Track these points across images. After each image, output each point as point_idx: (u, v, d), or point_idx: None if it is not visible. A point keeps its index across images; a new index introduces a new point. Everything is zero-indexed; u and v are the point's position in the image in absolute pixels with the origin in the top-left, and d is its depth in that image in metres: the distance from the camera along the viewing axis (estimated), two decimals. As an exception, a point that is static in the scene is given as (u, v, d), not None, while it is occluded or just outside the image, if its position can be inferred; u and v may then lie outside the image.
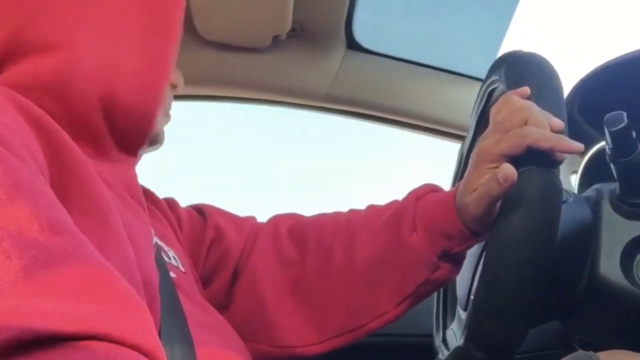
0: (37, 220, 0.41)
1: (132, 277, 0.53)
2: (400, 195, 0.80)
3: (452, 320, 0.89)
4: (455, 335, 0.84)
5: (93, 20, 0.63)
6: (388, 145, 1.88)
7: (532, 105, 0.67)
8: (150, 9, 0.66)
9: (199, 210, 0.85)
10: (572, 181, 0.97)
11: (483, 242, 0.77)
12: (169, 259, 0.71)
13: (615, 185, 0.75)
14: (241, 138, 2.12)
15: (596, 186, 0.79)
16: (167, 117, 0.74)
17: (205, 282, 0.82)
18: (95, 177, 0.55)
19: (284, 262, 0.81)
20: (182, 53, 0.71)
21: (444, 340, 0.88)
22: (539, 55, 0.73)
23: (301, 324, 0.78)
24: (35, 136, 0.52)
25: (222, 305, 0.79)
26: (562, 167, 0.67)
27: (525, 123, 0.65)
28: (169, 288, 0.64)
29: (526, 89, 0.69)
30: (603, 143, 0.78)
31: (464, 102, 1.28)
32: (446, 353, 0.82)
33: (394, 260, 0.76)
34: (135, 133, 0.67)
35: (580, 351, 0.62)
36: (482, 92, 0.83)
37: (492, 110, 0.71)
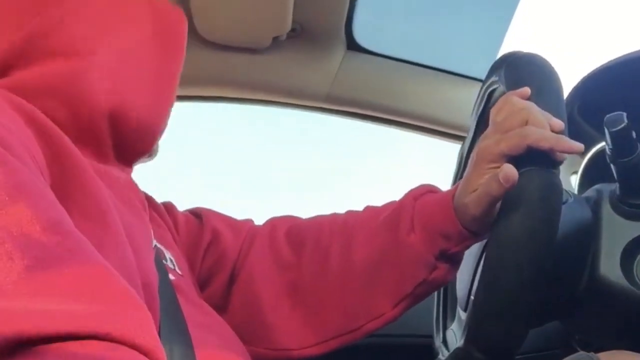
0: (39, 221, 0.42)
1: (131, 278, 0.53)
2: (399, 196, 0.80)
3: (452, 321, 0.89)
4: (455, 336, 0.84)
5: (109, 33, 0.64)
6: (387, 145, 1.88)
7: (532, 105, 0.67)
8: (160, 27, 0.68)
9: (196, 214, 0.85)
10: (572, 182, 0.97)
11: (483, 243, 0.77)
12: (166, 261, 0.71)
13: (615, 186, 0.75)
14: (239, 138, 2.12)
15: (596, 187, 0.79)
16: None
17: (202, 285, 0.82)
18: (95, 178, 0.55)
19: (281, 264, 0.81)
20: (182, 53, 0.71)
21: (444, 341, 0.88)
22: (538, 56, 0.73)
23: (298, 326, 0.78)
24: (34, 137, 0.52)
25: (220, 308, 0.79)
26: (562, 168, 0.67)
27: (526, 123, 0.65)
28: (168, 289, 0.64)
29: (526, 90, 0.69)
30: (603, 144, 0.78)
31: (463, 103, 1.28)
32: (446, 354, 0.82)
33: (391, 261, 0.76)
34: (137, 147, 0.68)
35: (581, 352, 0.62)
36: (482, 92, 0.83)
37: (492, 111, 0.71)
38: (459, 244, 0.73)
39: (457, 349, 0.68)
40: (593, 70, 0.91)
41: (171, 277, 0.68)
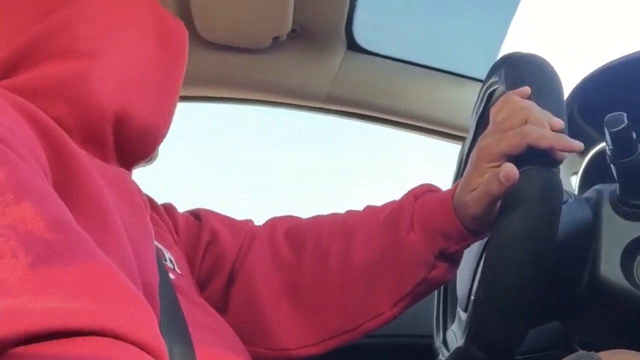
0: (42, 219, 0.42)
1: (131, 278, 0.53)
2: (399, 196, 0.80)
3: (453, 321, 0.89)
4: (455, 336, 0.84)
5: (113, 35, 0.65)
6: (387, 145, 1.88)
7: (532, 104, 0.67)
8: (164, 34, 0.69)
9: (195, 215, 0.85)
10: (572, 182, 0.97)
11: (483, 244, 0.77)
12: (166, 261, 0.71)
13: (615, 186, 0.75)
14: (239, 138, 2.12)
15: (596, 187, 0.79)
16: None
17: (202, 285, 0.82)
18: (96, 179, 0.56)
19: (280, 264, 0.81)
20: (183, 54, 0.72)
21: (444, 342, 0.88)
22: (538, 57, 0.73)
23: (297, 326, 0.78)
24: (37, 138, 0.53)
25: (219, 308, 0.79)
26: (562, 168, 0.67)
27: (526, 122, 0.65)
28: (168, 289, 0.64)
29: (526, 89, 0.69)
30: (603, 144, 0.78)
31: (464, 104, 1.28)
32: (446, 354, 0.82)
33: (391, 260, 0.76)
34: (139, 149, 0.69)
35: (581, 351, 0.62)
36: (482, 93, 0.84)
37: (492, 110, 0.71)
38: (458, 243, 0.73)
39: (458, 348, 0.68)
40: (593, 71, 0.91)
41: (171, 277, 0.68)
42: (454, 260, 0.76)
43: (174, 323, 0.60)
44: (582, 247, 0.74)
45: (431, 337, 0.92)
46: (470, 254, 0.80)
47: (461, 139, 1.33)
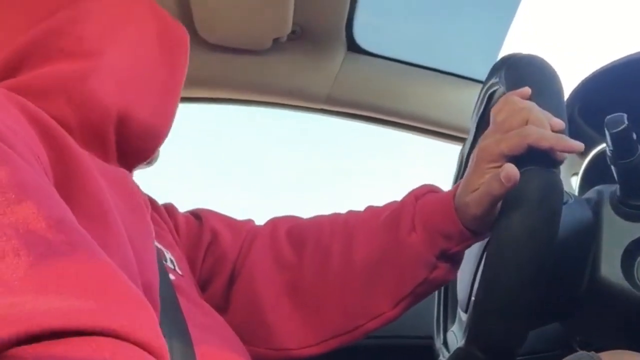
0: (44, 219, 0.42)
1: (132, 278, 0.53)
2: (400, 197, 0.80)
3: (453, 322, 0.89)
4: (456, 337, 0.84)
5: (118, 37, 0.65)
6: (387, 146, 1.88)
7: (532, 105, 0.67)
8: (165, 34, 0.70)
9: (196, 215, 0.86)
10: (572, 183, 0.97)
11: (484, 245, 0.77)
12: (166, 261, 0.71)
13: (615, 187, 0.75)
14: (239, 139, 2.12)
15: (597, 188, 0.79)
16: None
17: (203, 285, 0.82)
18: (97, 179, 0.56)
19: (281, 264, 0.81)
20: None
21: (445, 343, 0.88)
22: (539, 57, 0.73)
23: (298, 326, 0.78)
24: (38, 138, 0.53)
25: (220, 308, 0.79)
26: (562, 169, 0.67)
27: (526, 123, 0.66)
28: (168, 289, 0.64)
29: (527, 90, 0.69)
30: (604, 145, 0.79)
31: (464, 105, 1.28)
32: (447, 355, 0.82)
33: (392, 260, 0.76)
34: (140, 150, 0.69)
35: (582, 352, 0.62)
36: (482, 94, 0.84)
37: (493, 111, 0.71)
38: (459, 243, 0.73)
39: (458, 349, 0.68)
40: (594, 72, 0.91)
41: (171, 277, 0.68)
42: (455, 260, 0.76)
43: (174, 323, 0.60)
44: (582, 248, 0.74)
45: (432, 338, 0.92)
46: (471, 255, 0.80)
47: (461, 139, 1.33)
